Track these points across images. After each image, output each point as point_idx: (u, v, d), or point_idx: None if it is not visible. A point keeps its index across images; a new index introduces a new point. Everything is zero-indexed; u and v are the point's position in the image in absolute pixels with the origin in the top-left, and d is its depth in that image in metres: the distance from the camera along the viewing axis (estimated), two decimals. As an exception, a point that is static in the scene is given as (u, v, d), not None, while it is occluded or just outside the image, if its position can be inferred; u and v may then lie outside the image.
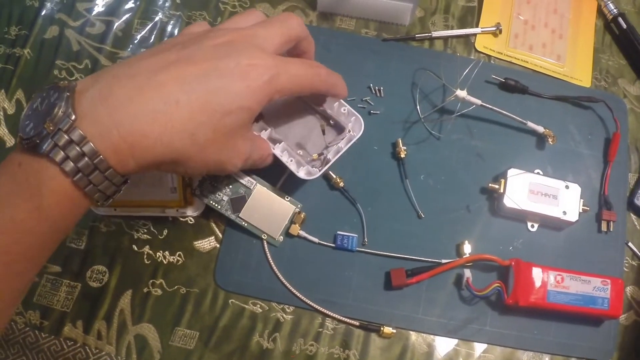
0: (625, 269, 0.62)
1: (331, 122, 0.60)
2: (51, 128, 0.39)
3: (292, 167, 0.55)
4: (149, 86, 0.42)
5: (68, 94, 0.41)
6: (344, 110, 0.57)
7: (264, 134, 0.56)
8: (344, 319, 0.59)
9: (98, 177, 0.41)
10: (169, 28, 0.71)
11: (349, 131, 0.57)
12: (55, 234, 0.43)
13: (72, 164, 0.40)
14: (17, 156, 0.41)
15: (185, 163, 0.45)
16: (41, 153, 0.40)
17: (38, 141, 0.40)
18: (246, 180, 0.59)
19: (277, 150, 0.55)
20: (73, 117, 0.40)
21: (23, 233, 0.40)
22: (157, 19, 0.71)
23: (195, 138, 0.44)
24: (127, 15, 0.71)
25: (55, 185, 0.40)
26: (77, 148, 0.40)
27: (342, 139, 0.57)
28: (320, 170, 0.55)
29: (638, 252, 0.62)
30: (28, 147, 0.40)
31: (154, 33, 0.70)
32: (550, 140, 0.64)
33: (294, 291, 0.59)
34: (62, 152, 0.39)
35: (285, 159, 0.55)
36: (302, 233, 0.60)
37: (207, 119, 0.44)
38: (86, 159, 0.40)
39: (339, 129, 0.59)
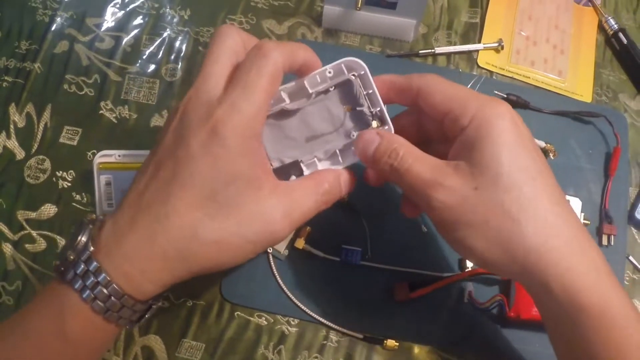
0: (626, 283, 0.63)
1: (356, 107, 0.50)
2: (72, 257, 0.42)
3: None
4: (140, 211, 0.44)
5: (91, 226, 0.44)
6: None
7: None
8: (348, 331, 0.59)
9: (115, 305, 0.43)
10: (177, 44, 0.72)
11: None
12: (85, 356, 0.45)
13: (89, 292, 0.42)
14: (53, 281, 0.44)
15: (213, 263, 0.44)
16: (65, 280, 0.42)
17: (63, 269, 0.43)
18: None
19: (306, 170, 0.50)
20: (91, 248, 0.42)
21: (51, 353, 0.43)
22: (165, 34, 0.72)
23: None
24: (135, 31, 0.73)
25: (76, 311, 0.43)
26: (93, 278, 0.42)
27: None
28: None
29: (638, 266, 0.63)
30: (57, 274, 0.43)
31: (162, 49, 0.72)
32: (551, 154, 0.65)
33: (299, 304, 0.60)
34: (80, 281, 0.42)
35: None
36: (307, 247, 0.61)
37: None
38: (100, 287, 0.42)
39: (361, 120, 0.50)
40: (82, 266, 0.42)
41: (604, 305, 0.39)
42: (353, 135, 0.48)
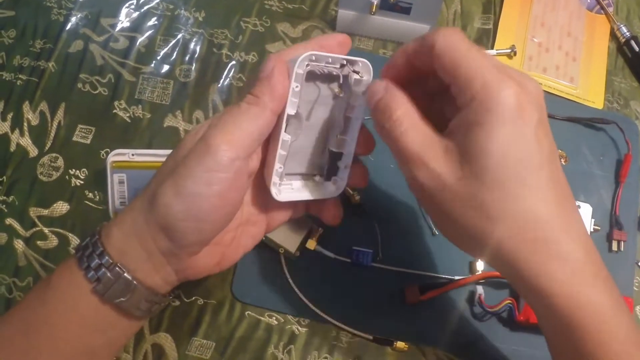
0: (635, 289, 0.63)
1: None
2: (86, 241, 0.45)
3: (318, 194, 0.50)
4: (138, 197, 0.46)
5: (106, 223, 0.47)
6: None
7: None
8: (357, 332, 0.59)
9: (119, 288, 0.44)
10: (192, 45, 0.73)
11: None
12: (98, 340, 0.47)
13: (93, 272, 0.43)
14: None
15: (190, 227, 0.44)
16: (75, 258, 0.45)
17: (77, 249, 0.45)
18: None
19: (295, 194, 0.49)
20: (98, 236, 0.45)
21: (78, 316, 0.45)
22: (179, 36, 0.73)
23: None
24: (150, 32, 0.73)
25: (82, 288, 0.44)
26: (97, 259, 0.43)
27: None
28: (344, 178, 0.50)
29: (648, 272, 0.63)
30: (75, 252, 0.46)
31: (177, 50, 0.72)
32: (563, 160, 0.65)
33: (309, 304, 0.60)
34: (86, 261, 0.44)
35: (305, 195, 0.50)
36: (319, 248, 0.61)
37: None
38: (104, 269, 0.43)
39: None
40: (88, 238, 0.45)
41: (574, 309, 0.39)
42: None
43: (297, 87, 0.43)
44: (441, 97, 0.44)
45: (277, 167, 0.45)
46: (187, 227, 0.42)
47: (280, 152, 0.45)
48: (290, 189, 0.48)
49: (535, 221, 0.38)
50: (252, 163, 0.45)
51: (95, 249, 0.44)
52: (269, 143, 0.46)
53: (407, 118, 0.41)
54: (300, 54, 0.43)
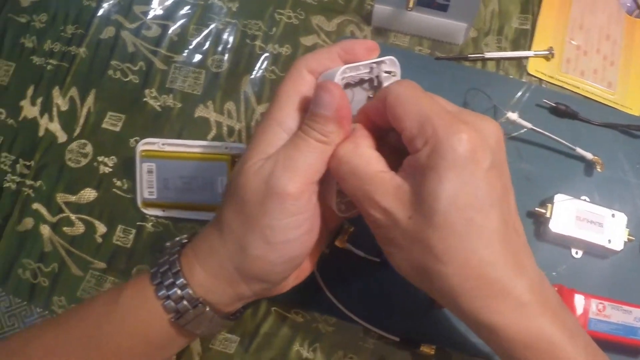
0: (669, 300, 0.62)
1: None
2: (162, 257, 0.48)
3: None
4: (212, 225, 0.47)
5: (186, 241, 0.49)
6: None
7: None
8: (384, 333, 0.59)
9: (186, 309, 0.45)
10: (225, 36, 0.72)
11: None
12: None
13: (171, 302, 0.45)
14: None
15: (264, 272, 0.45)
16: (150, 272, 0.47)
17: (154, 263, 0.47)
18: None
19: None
20: (177, 258, 0.46)
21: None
22: (212, 26, 0.72)
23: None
24: (182, 21, 0.72)
25: (150, 305, 0.46)
26: (172, 278, 0.45)
27: None
28: None
29: (682, 284, 0.62)
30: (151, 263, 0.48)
31: (209, 39, 0.72)
32: (598, 167, 0.64)
33: (337, 303, 0.59)
34: (165, 291, 0.45)
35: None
36: (348, 246, 0.60)
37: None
38: (176, 288, 0.45)
39: None
40: (167, 266, 0.46)
41: (526, 341, 0.39)
42: None
43: None
44: (395, 134, 0.44)
45: (338, 187, 0.45)
46: (283, 269, 0.45)
47: None
48: (349, 202, 0.47)
49: (480, 261, 0.39)
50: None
51: (176, 279, 0.45)
52: None
53: (362, 156, 0.42)
54: (332, 69, 0.43)
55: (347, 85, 0.45)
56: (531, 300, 0.39)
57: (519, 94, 0.63)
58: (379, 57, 0.45)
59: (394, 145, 0.44)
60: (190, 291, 0.45)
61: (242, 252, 0.43)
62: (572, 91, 0.69)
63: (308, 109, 0.42)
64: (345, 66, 0.43)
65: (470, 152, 0.38)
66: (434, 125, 0.38)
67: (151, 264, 0.48)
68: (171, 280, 0.45)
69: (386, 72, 0.45)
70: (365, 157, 0.42)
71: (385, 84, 0.46)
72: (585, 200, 0.62)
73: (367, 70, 0.45)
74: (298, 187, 0.41)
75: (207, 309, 0.45)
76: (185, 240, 0.49)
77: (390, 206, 0.40)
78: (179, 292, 0.44)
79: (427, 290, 0.43)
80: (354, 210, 0.47)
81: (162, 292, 0.45)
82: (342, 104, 0.41)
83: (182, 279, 0.45)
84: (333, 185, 0.45)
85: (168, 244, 0.49)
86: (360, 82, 0.46)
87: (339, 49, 0.44)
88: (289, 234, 0.42)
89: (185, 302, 0.45)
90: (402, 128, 0.40)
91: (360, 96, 0.47)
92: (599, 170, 0.64)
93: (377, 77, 0.45)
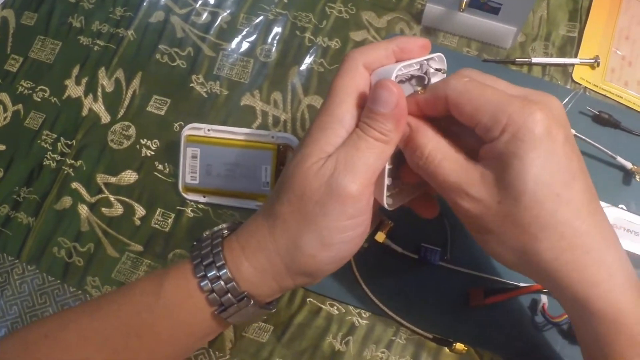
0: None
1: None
2: (205, 248, 0.47)
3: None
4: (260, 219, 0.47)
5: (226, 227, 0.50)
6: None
7: None
8: (417, 330, 0.59)
9: (229, 301, 0.46)
10: (274, 27, 0.72)
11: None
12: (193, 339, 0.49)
13: (215, 295, 0.45)
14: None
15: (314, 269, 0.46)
16: (193, 264, 0.47)
17: (195, 254, 0.47)
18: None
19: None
20: (220, 250, 0.46)
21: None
22: (263, 15, 0.73)
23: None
24: (232, 9, 0.73)
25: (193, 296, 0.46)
26: (216, 271, 0.45)
27: None
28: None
29: None
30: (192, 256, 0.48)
31: (259, 29, 0.72)
32: (637, 177, 0.64)
33: (373, 297, 0.59)
34: (209, 284, 0.45)
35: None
36: (387, 241, 0.60)
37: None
38: (221, 281, 0.45)
39: None
40: (210, 258, 0.46)
41: (616, 312, 0.40)
42: None
43: None
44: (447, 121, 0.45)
45: (387, 182, 0.45)
46: (332, 267, 0.46)
47: (388, 166, 0.45)
48: (395, 195, 0.48)
49: (574, 231, 0.40)
50: None
51: (221, 272, 0.45)
52: None
53: (438, 152, 0.43)
54: (386, 66, 0.44)
55: (399, 82, 0.46)
56: (619, 271, 0.40)
57: (565, 101, 0.63)
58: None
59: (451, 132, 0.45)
60: (236, 285, 0.45)
61: (295, 250, 0.43)
62: (616, 100, 0.69)
63: (364, 106, 0.43)
64: (402, 64, 0.43)
65: (546, 130, 0.39)
66: (507, 114, 0.39)
67: (189, 252, 0.48)
68: (215, 273, 0.45)
69: (435, 69, 0.46)
70: (445, 150, 0.43)
71: (433, 80, 0.46)
72: (622, 208, 0.62)
73: (417, 67, 0.46)
74: (358, 188, 0.41)
75: (252, 302, 0.46)
76: (226, 231, 0.49)
77: (479, 194, 0.41)
78: (223, 285, 0.45)
79: (525, 273, 0.44)
80: (400, 204, 0.48)
81: (206, 285, 0.45)
82: (400, 102, 0.41)
83: (227, 273, 0.45)
84: (383, 180, 0.45)
85: (207, 233, 0.49)
86: (410, 78, 0.47)
87: (394, 45, 0.44)
88: (345, 236, 0.43)
89: (229, 296, 0.45)
90: (476, 122, 0.41)
91: (407, 92, 0.47)
92: (637, 180, 0.64)
93: (426, 73, 0.46)
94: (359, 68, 0.44)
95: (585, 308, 0.41)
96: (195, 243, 0.49)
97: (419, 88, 0.47)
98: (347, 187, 0.41)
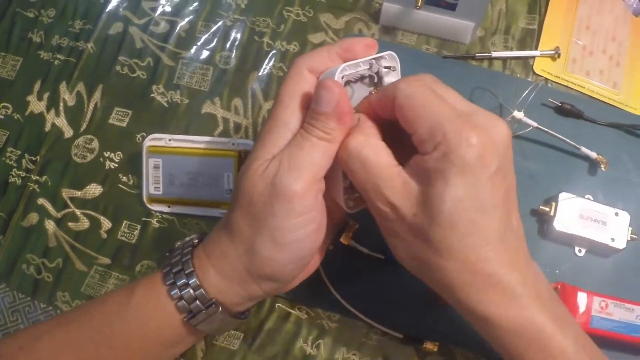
0: (671, 300, 0.62)
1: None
2: (174, 256, 0.48)
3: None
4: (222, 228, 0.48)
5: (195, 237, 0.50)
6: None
7: None
8: (388, 330, 0.59)
9: (198, 308, 0.46)
10: (233, 32, 0.72)
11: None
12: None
13: (184, 303, 0.46)
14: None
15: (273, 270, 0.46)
16: (162, 273, 0.47)
17: (166, 263, 0.48)
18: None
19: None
20: (190, 259, 0.47)
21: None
22: (221, 22, 0.72)
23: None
24: (191, 17, 0.73)
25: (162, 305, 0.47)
26: (185, 279, 0.46)
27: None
28: None
29: (685, 285, 0.62)
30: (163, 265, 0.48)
31: (217, 36, 0.72)
32: (602, 166, 0.64)
33: (341, 300, 0.59)
34: (178, 292, 0.46)
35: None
36: (353, 242, 0.60)
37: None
38: (189, 289, 0.46)
39: None
40: (180, 266, 0.46)
41: (517, 330, 0.41)
42: None
43: None
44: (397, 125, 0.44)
45: (345, 184, 0.45)
46: (293, 268, 0.46)
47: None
48: (358, 198, 0.48)
49: (478, 257, 0.40)
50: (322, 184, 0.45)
51: (190, 280, 0.46)
52: None
53: (368, 148, 0.43)
54: (331, 68, 0.44)
55: (348, 83, 0.46)
56: (523, 293, 0.41)
57: (525, 93, 0.63)
58: (379, 53, 0.45)
59: (396, 135, 0.44)
60: (204, 292, 0.45)
61: (252, 254, 0.44)
62: (578, 91, 0.69)
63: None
64: (345, 64, 0.43)
65: (478, 158, 0.38)
66: (444, 132, 0.39)
67: (160, 263, 0.48)
68: (184, 280, 0.45)
69: (386, 67, 0.46)
70: (375, 149, 0.42)
71: (385, 79, 0.46)
72: (589, 199, 0.62)
73: (367, 67, 0.46)
74: (303, 186, 0.41)
75: (220, 309, 0.46)
76: (196, 240, 0.49)
77: (397, 202, 0.41)
78: (192, 292, 0.45)
79: (425, 280, 0.45)
80: (361, 206, 0.48)
81: (175, 293, 0.45)
82: (342, 100, 0.41)
83: (195, 280, 0.45)
84: (340, 182, 0.45)
85: (178, 243, 0.50)
86: (361, 78, 0.46)
87: (337, 47, 0.45)
88: (297, 234, 0.43)
89: (198, 303, 0.45)
90: (413, 131, 0.41)
91: (361, 93, 0.47)
92: (603, 169, 0.64)
93: (377, 72, 0.46)
94: (304, 73, 0.44)
95: (491, 328, 0.41)
96: (167, 253, 0.49)
97: (371, 88, 0.47)
98: (291, 185, 0.41)
